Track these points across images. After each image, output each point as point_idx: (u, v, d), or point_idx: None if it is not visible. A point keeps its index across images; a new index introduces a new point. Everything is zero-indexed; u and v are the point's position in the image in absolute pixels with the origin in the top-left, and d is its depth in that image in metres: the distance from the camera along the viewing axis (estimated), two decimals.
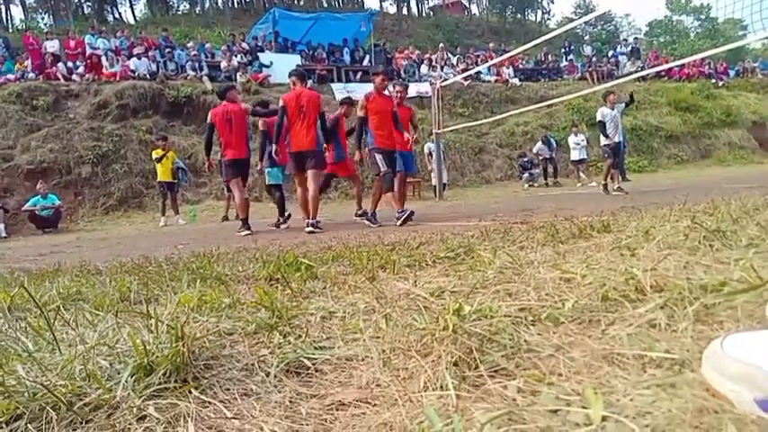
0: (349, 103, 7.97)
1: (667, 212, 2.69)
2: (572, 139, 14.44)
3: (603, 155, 9.08)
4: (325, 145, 6.23)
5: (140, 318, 1.24)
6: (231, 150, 6.50)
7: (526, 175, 14.52)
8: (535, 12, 50.00)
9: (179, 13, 40.42)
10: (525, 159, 14.84)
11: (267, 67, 16.46)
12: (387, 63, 18.29)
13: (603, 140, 8.65)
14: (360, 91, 16.91)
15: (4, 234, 10.46)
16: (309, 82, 16.44)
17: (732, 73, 23.43)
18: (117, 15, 40.86)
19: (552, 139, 14.96)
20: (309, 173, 5.91)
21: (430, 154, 12.89)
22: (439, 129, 11.97)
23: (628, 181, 11.38)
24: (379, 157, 6.07)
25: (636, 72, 14.80)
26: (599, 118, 8.67)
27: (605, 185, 8.49)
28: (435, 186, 12.45)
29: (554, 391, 0.75)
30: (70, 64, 14.99)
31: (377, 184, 6.60)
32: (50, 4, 37.20)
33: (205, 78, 15.50)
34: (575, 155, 14.52)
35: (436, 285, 1.56)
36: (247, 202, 6.75)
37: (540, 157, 14.75)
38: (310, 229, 5.65)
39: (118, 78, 14.56)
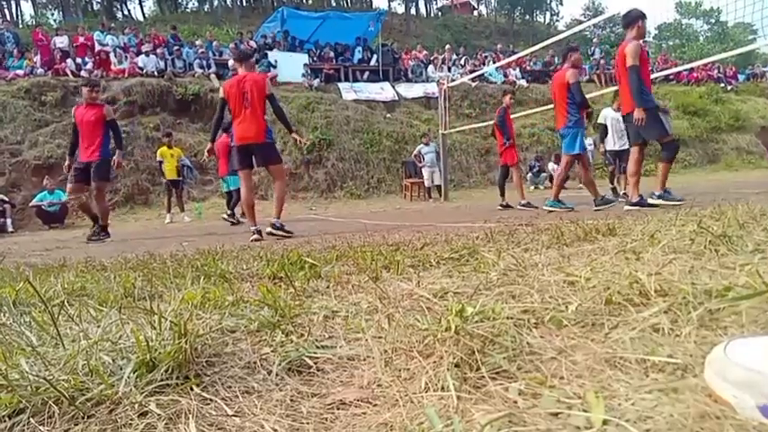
0: (511, 92, 8.22)
1: (673, 216, 2.68)
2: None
3: (605, 161, 8.67)
4: (295, 135, 5.57)
5: (144, 314, 1.25)
6: (84, 153, 6.39)
7: (530, 175, 14.52)
8: (544, 13, 49.93)
9: (188, 10, 40.61)
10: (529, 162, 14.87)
11: (274, 67, 16.51)
12: (394, 63, 18.30)
13: (609, 145, 8.38)
14: (368, 91, 17.00)
15: (10, 229, 10.54)
16: (316, 81, 16.53)
17: (741, 77, 23.29)
18: (126, 12, 41.13)
19: None
20: (271, 169, 5.24)
21: (419, 154, 12.91)
22: (445, 130, 11.96)
23: None
24: (664, 117, 5.08)
25: None
26: (600, 120, 8.44)
27: (614, 190, 8.16)
28: (440, 187, 12.48)
29: (555, 394, 0.75)
30: (79, 60, 15.08)
31: (636, 157, 5.33)
32: (60, 1, 37.42)
33: (213, 76, 15.56)
34: None
35: (439, 286, 1.56)
36: (107, 210, 6.89)
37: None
38: (270, 229, 5.02)
39: (126, 75, 14.63)
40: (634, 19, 5.23)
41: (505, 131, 7.70)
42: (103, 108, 6.58)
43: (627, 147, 8.48)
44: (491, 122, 13.63)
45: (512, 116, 7.97)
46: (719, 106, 19.87)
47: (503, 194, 7.97)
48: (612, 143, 8.33)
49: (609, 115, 8.34)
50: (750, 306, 1.01)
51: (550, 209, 5.85)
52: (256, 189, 13.25)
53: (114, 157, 6.53)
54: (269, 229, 5.01)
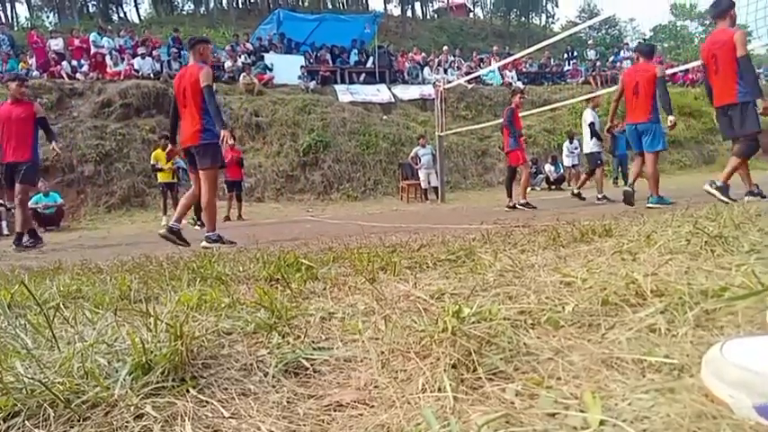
0: (521, 91, 8.22)
1: (669, 217, 2.69)
2: (567, 146, 14.48)
3: (594, 162, 8.07)
4: (223, 134, 4.61)
5: (139, 316, 1.24)
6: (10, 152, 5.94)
7: None
8: (539, 15, 50.04)
9: (184, 12, 40.57)
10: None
11: (271, 69, 16.49)
12: (390, 65, 18.32)
13: (593, 147, 8.02)
14: (364, 93, 17.01)
15: (5, 232, 10.48)
16: (312, 83, 16.53)
17: None
18: (122, 14, 41.08)
19: (560, 163, 15.00)
20: (201, 174, 4.74)
21: (415, 156, 12.91)
22: (442, 131, 11.98)
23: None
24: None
25: None
26: (590, 120, 8.04)
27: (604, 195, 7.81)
28: (437, 189, 12.49)
29: (552, 395, 0.75)
30: (74, 62, 15.04)
31: (740, 147, 5.15)
32: (55, 3, 37.36)
33: None
34: (567, 161, 14.55)
35: (436, 287, 1.56)
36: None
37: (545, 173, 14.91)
38: (206, 244, 4.58)
39: (122, 77, 14.60)
40: (727, 8, 5.14)
41: (513, 132, 7.64)
42: (33, 105, 6.27)
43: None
44: (487, 124, 13.71)
45: (503, 118, 7.99)
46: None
47: (510, 195, 7.90)
48: (592, 145, 8.05)
49: (594, 114, 8.17)
50: (746, 306, 1.01)
51: (655, 206, 5.65)
52: (252, 191, 13.24)
53: (52, 148, 6.25)
54: (204, 244, 4.61)
